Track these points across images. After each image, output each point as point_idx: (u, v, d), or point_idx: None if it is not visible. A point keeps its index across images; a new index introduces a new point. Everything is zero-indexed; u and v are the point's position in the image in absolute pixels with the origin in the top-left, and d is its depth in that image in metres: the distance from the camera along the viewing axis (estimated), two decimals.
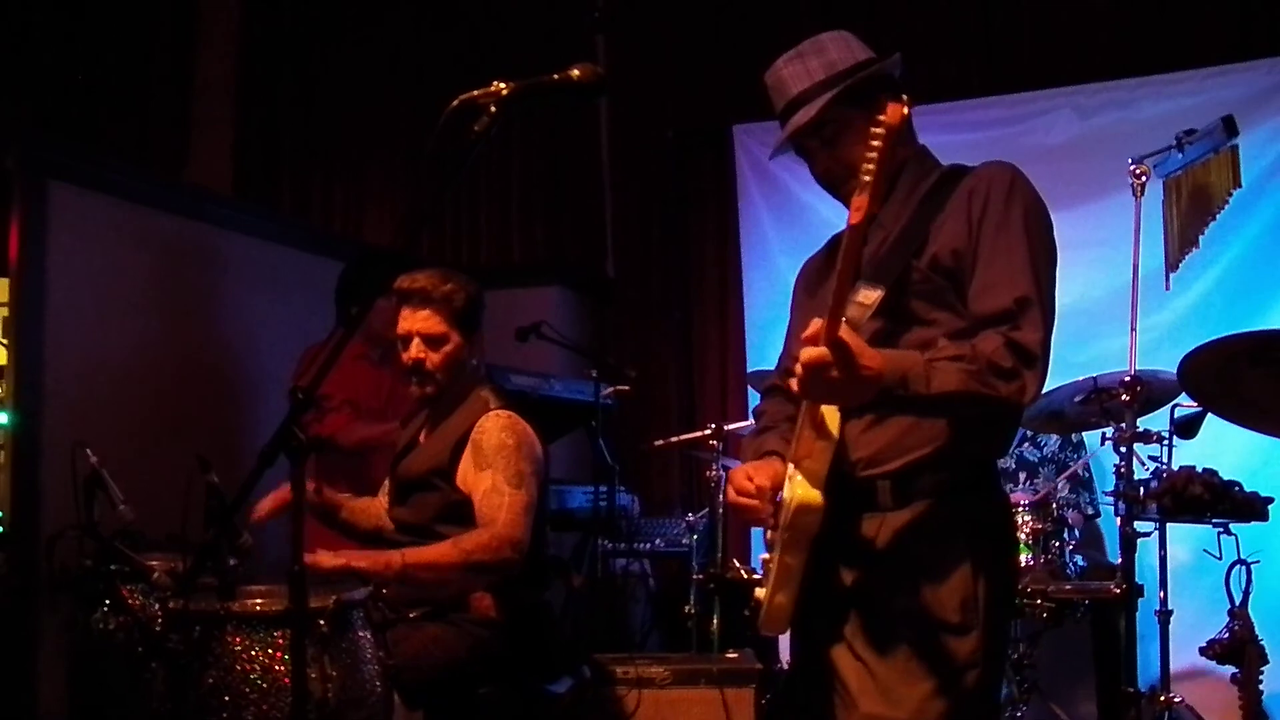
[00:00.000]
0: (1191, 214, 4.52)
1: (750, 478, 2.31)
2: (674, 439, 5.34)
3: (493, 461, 3.26)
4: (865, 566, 2.25)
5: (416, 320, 3.35)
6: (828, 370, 1.94)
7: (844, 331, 1.94)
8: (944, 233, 2.26)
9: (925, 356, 2.07)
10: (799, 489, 2.11)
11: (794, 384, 2.02)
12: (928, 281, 2.24)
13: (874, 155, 1.91)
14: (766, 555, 2.31)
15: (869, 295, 2.17)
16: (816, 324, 1.98)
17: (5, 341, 4.45)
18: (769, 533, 2.31)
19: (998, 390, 2.09)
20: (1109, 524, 4.94)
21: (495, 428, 3.31)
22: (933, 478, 2.25)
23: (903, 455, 2.24)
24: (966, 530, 2.24)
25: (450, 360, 3.37)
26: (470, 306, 3.38)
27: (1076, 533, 4.49)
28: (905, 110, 1.91)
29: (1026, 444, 5.03)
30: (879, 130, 1.89)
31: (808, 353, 1.95)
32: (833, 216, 2.58)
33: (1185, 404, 4.15)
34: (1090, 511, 4.89)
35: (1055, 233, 2.32)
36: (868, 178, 1.92)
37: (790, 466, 2.21)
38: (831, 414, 2.14)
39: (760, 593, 2.29)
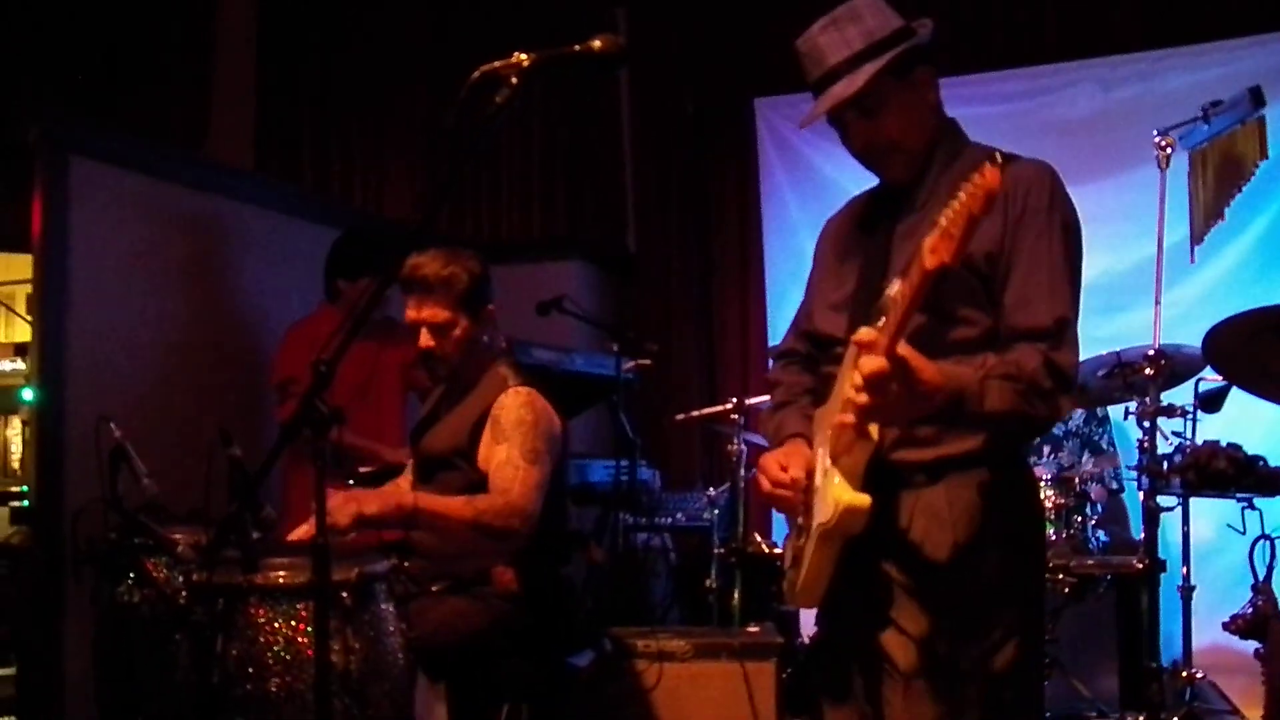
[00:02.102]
0: (1217, 186, 4.48)
1: (784, 467, 2.30)
2: (695, 413, 5.34)
3: (509, 436, 3.26)
4: (903, 543, 2.23)
5: (422, 311, 3.34)
6: (888, 384, 1.93)
7: (903, 348, 1.93)
8: (979, 232, 2.22)
9: (979, 374, 2.07)
10: (843, 492, 2.09)
11: (852, 411, 2.01)
12: (962, 281, 2.20)
13: (960, 209, 1.83)
14: (799, 541, 2.29)
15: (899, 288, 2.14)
16: (871, 334, 1.97)
17: (29, 317, 4.47)
18: (800, 519, 2.31)
19: (1036, 410, 2.11)
20: (1133, 499, 4.93)
21: (514, 404, 3.31)
22: (966, 457, 2.23)
23: (937, 447, 2.23)
24: (1001, 502, 2.24)
25: (460, 343, 3.37)
26: (474, 286, 3.36)
27: (1099, 507, 4.48)
28: (1000, 172, 1.85)
29: None
30: (974, 191, 1.81)
31: (869, 363, 1.94)
32: (856, 190, 2.57)
33: (1210, 378, 4.13)
34: (1114, 486, 4.87)
35: (1079, 207, 2.31)
36: (949, 226, 1.84)
37: (826, 459, 2.20)
38: None
39: (793, 574, 2.29)
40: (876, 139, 2.33)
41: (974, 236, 2.04)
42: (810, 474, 2.29)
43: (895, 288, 2.14)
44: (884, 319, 2.07)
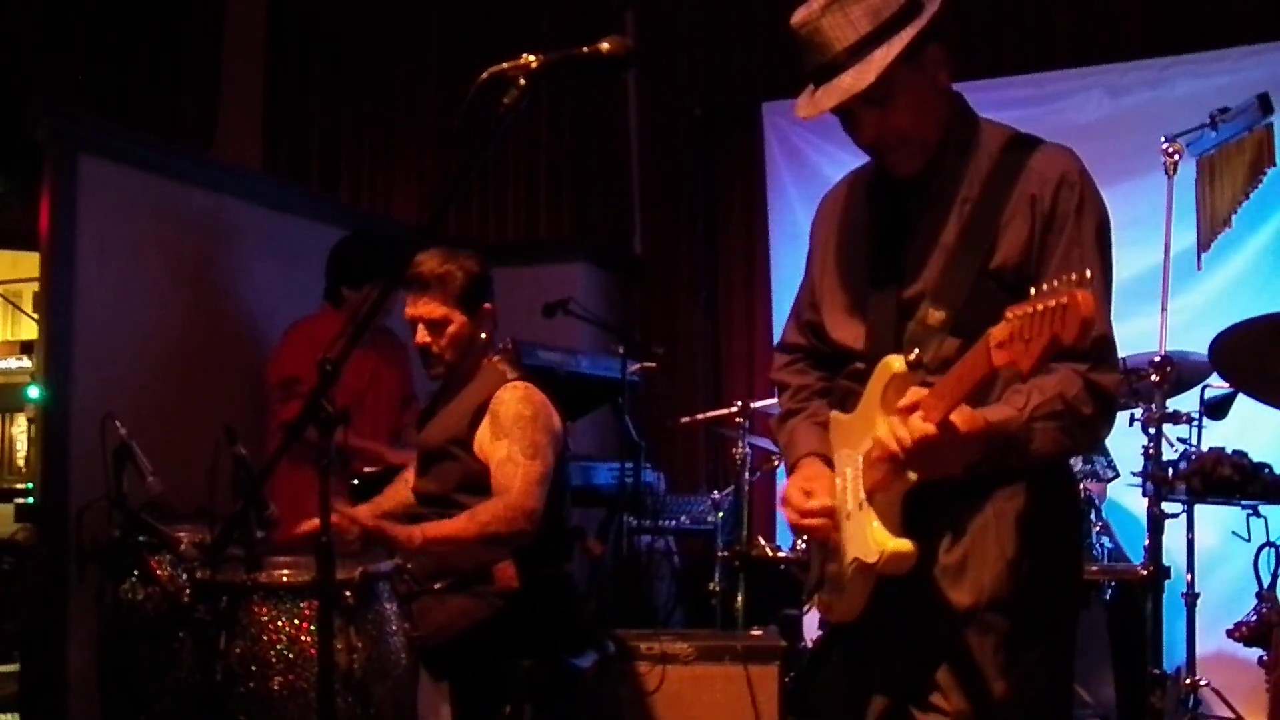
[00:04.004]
0: (1224, 193, 4.48)
1: (810, 494, 2.22)
2: (700, 416, 5.33)
3: (509, 431, 3.28)
4: (943, 557, 2.16)
5: (418, 307, 3.38)
6: (936, 445, 1.90)
7: (957, 415, 1.90)
8: (1007, 239, 2.13)
9: (1024, 417, 2.01)
10: (886, 539, 2.04)
11: (896, 452, 1.94)
12: (991, 296, 2.09)
13: (1042, 323, 1.71)
14: (829, 563, 2.24)
15: (935, 316, 2.10)
16: (918, 394, 1.93)
17: (36, 315, 4.48)
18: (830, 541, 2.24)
19: (1079, 443, 2.08)
20: (1122, 511, 4.92)
21: (513, 398, 3.33)
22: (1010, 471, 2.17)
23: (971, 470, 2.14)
24: (1045, 515, 2.17)
25: (455, 341, 3.39)
26: (470, 284, 3.38)
27: (1104, 513, 4.47)
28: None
29: None
30: (1067, 317, 1.67)
31: (918, 428, 1.90)
32: None
33: (1216, 385, 4.12)
34: (1110, 475, 4.83)
35: None
36: (1023, 331, 1.74)
37: (860, 490, 2.13)
38: None
39: (829, 596, 2.25)
40: (887, 131, 2.17)
41: (1017, 248, 1.97)
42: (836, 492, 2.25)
43: (930, 314, 2.10)
44: (916, 352, 2.03)
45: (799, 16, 2.14)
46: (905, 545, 2.04)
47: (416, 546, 3.12)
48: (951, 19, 5.94)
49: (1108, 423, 2.11)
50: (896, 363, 2.04)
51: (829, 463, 2.29)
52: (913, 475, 2.01)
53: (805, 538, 2.34)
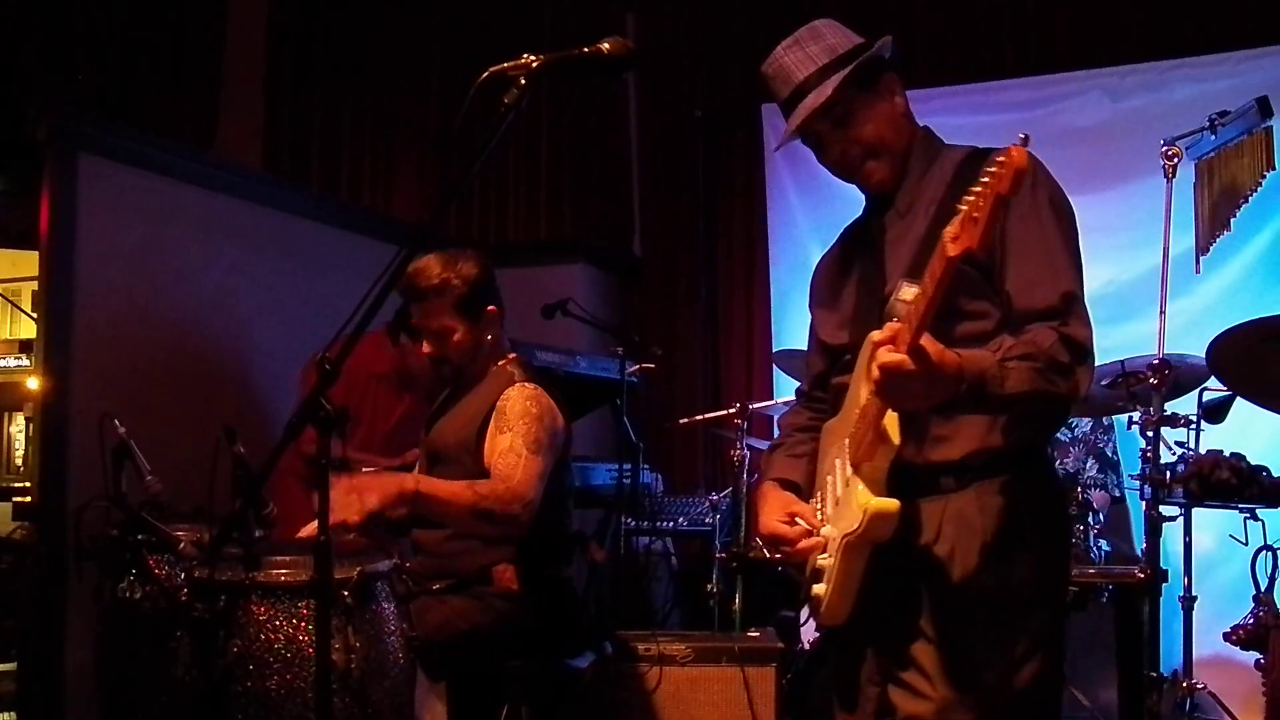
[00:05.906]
0: (1223, 196, 4.48)
1: (794, 520, 2.35)
2: (698, 417, 5.34)
3: (513, 425, 3.27)
4: (930, 549, 2.21)
5: (422, 318, 3.37)
6: (908, 376, 1.93)
7: (926, 339, 1.93)
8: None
9: (997, 357, 2.05)
10: (868, 498, 2.09)
11: (873, 384, 2.00)
12: (962, 275, 2.13)
13: (984, 192, 1.78)
14: (825, 557, 2.27)
15: (910, 292, 2.13)
16: (894, 328, 1.97)
17: (35, 314, 4.48)
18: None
19: (1058, 387, 2.10)
20: (1135, 508, 4.92)
21: (520, 396, 3.33)
22: (992, 460, 2.23)
23: (962, 447, 2.22)
24: (1028, 507, 2.23)
25: (460, 348, 3.39)
26: (469, 291, 3.35)
27: (1101, 517, 4.47)
28: (1028, 152, 1.83)
29: None
30: (1000, 172, 1.75)
31: (887, 357, 1.94)
32: (860, 197, 2.56)
33: (1214, 388, 4.12)
34: (1117, 494, 4.86)
35: (1085, 215, 2.31)
36: (970, 210, 1.81)
37: (846, 468, 2.20)
38: (892, 419, 2.10)
39: (819, 589, 2.26)
40: (852, 148, 2.37)
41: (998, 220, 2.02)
42: (820, 497, 2.33)
43: (904, 290, 2.14)
44: (896, 320, 2.07)
45: (766, 60, 2.41)
46: (889, 503, 2.08)
47: (408, 490, 3.05)
48: (951, 22, 6.00)
49: (1087, 372, 2.15)
50: (876, 335, 2.07)
51: (793, 488, 2.45)
52: (895, 436, 2.08)
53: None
